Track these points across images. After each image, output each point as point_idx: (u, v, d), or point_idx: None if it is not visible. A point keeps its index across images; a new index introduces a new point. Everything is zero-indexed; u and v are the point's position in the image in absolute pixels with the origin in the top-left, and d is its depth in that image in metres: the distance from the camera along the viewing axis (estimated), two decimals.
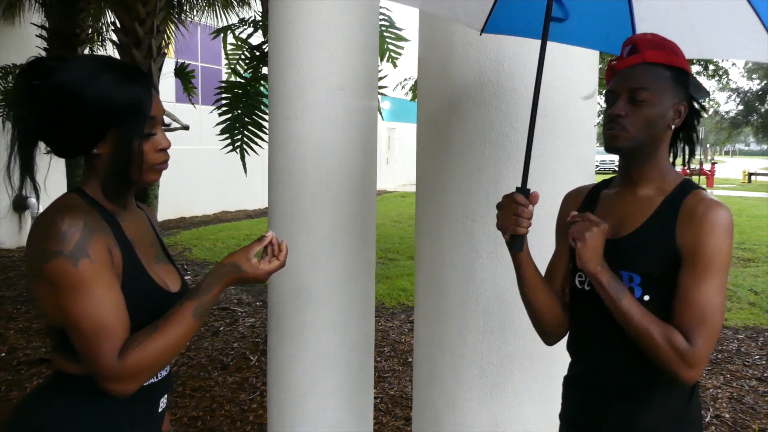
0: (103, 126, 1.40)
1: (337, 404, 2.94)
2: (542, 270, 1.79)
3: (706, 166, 32.09)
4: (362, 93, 2.91)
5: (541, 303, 1.71)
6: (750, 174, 33.48)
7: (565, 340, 1.84)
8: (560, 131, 2.40)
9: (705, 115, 1.69)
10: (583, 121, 2.47)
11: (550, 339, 1.80)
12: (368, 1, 2.92)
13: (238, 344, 5.85)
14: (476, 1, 2.05)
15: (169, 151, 1.52)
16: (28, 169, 1.44)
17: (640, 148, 1.58)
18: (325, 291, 2.90)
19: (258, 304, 7.31)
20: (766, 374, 5.30)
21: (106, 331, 1.32)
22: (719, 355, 5.76)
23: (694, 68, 13.16)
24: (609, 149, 1.61)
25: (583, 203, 1.78)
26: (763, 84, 39.68)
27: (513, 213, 1.60)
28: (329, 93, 2.81)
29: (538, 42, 2.27)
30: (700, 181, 29.92)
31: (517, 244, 1.63)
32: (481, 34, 2.17)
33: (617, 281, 1.51)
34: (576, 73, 2.42)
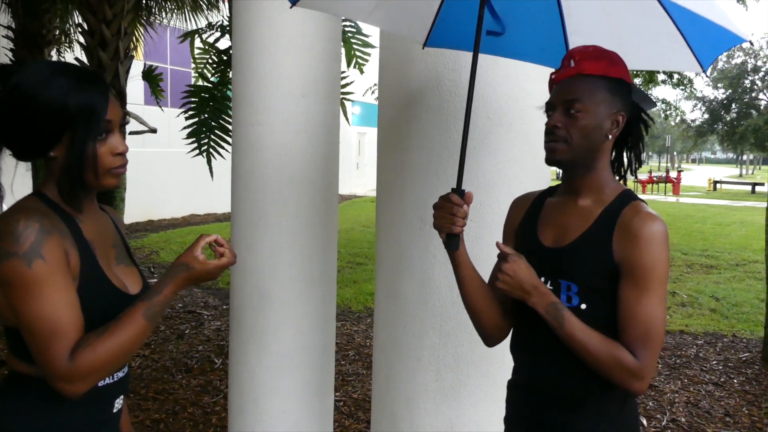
0: (57, 129, 1.42)
1: (298, 406, 2.97)
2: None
3: (673, 174, 32.64)
4: (324, 99, 2.95)
5: (480, 304, 1.75)
6: (715, 182, 34.14)
7: None
8: (516, 140, 2.46)
9: (650, 125, 1.72)
10: (538, 130, 2.50)
11: (489, 341, 1.84)
12: None
13: (203, 347, 5.85)
14: (418, 16, 2.10)
15: (137, 154, 1.54)
16: None
17: (578, 159, 1.61)
18: (286, 294, 2.93)
19: (224, 307, 7.29)
20: (722, 379, 5.43)
21: (58, 331, 1.34)
22: (677, 360, 5.88)
23: (659, 77, 13.40)
24: (548, 162, 1.65)
25: (528, 209, 1.81)
26: (728, 93, 40.42)
27: (448, 212, 1.64)
28: (292, 99, 2.85)
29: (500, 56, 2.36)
30: (667, 188, 30.44)
31: (452, 243, 1.67)
32: (423, 48, 2.22)
33: (556, 307, 1.53)
34: (531, 83, 2.48)
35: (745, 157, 69.59)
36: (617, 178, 1.70)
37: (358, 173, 25.14)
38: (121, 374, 1.59)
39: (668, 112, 23.20)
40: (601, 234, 1.57)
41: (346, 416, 4.45)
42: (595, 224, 1.60)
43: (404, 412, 2.58)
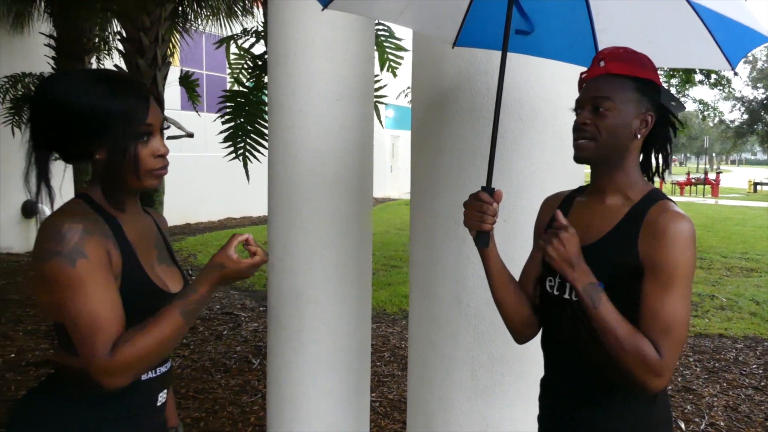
0: (98, 133, 1.48)
1: (335, 405, 3.02)
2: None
3: (711, 176, 32.07)
4: (359, 102, 3.00)
5: (507, 300, 1.78)
6: (755, 183, 33.44)
7: None
8: (549, 141, 2.47)
9: (679, 128, 1.73)
10: (571, 132, 2.54)
11: (518, 338, 1.87)
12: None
13: (240, 348, 5.94)
14: (447, 16, 2.13)
15: (174, 158, 1.60)
16: (43, 176, 1.53)
17: (605, 157, 1.63)
18: (322, 295, 2.98)
19: (261, 309, 7.39)
20: (762, 383, 5.35)
21: (99, 326, 1.39)
22: (716, 364, 5.81)
23: (696, 77, 13.23)
24: (576, 159, 1.67)
25: (558, 208, 1.83)
26: (767, 93, 39.63)
27: (478, 210, 1.67)
28: (326, 102, 2.90)
29: (528, 55, 2.38)
30: (705, 190, 29.95)
31: (482, 240, 1.70)
32: (453, 48, 2.24)
33: (594, 287, 1.52)
34: (565, 85, 2.49)
35: None
36: (646, 178, 1.71)
37: (392, 176, 25.18)
38: (164, 369, 1.64)
39: (706, 113, 22.83)
40: (627, 232, 1.58)
41: (382, 416, 4.48)
42: (621, 223, 1.61)
43: (439, 411, 2.60)
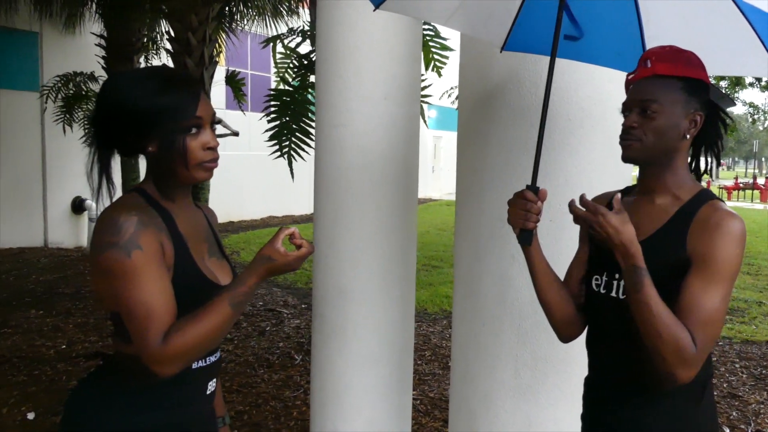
0: (150, 127, 1.53)
1: (377, 402, 3.05)
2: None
3: (760, 180, 31.32)
4: (405, 102, 3.02)
5: (552, 299, 1.78)
6: None
7: None
8: (597, 142, 2.46)
9: (730, 124, 1.71)
10: (619, 133, 2.53)
11: (562, 336, 1.86)
12: None
13: (283, 344, 6.01)
14: (497, 20, 2.14)
15: (218, 156, 1.65)
16: (105, 172, 1.60)
17: (653, 158, 1.63)
18: (366, 292, 3.01)
19: (303, 306, 7.46)
20: None
21: (152, 316, 1.44)
22: (763, 371, 5.69)
23: (747, 80, 12.96)
24: (624, 160, 1.67)
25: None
26: None
27: (522, 208, 1.68)
28: (373, 102, 2.93)
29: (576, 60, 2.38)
30: (754, 195, 29.27)
31: (525, 238, 1.71)
32: (501, 52, 2.25)
33: (639, 271, 1.48)
34: (614, 84, 2.47)
35: None
36: (695, 177, 1.70)
37: (434, 177, 25.14)
38: (213, 359, 1.69)
39: (756, 117, 22.31)
40: (676, 230, 1.57)
41: (423, 414, 4.50)
42: (670, 221, 1.60)
43: (482, 409, 2.61)
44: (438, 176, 25.56)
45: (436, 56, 5.99)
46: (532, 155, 2.44)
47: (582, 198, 1.56)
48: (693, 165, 1.71)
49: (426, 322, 6.92)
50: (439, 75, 6.09)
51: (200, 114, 1.57)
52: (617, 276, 1.65)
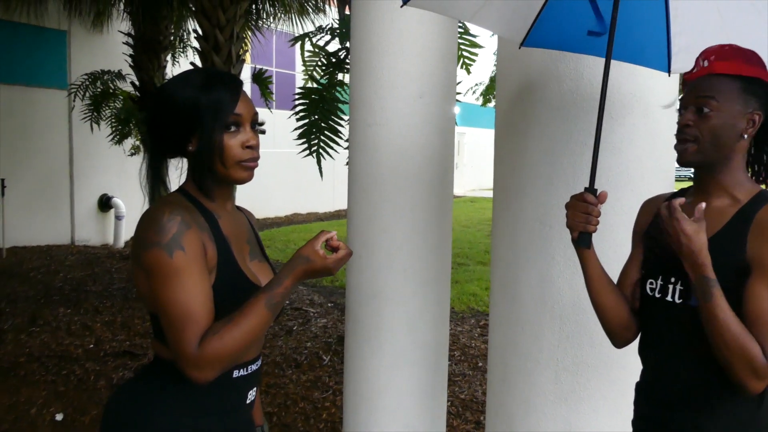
0: (191, 123, 1.52)
1: (411, 404, 3.01)
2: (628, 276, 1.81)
3: None
4: (441, 100, 2.97)
5: (607, 303, 1.74)
6: None
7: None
8: (639, 140, 2.40)
9: None
10: (662, 130, 2.46)
11: (616, 341, 1.82)
12: None
13: (310, 344, 5.99)
14: (521, 16, 2.11)
15: (258, 156, 1.62)
16: (157, 175, 1.60)
17: (710, 158, 1.58)
18: (401, 294, 2.97)
19: (329, 305, 7.44)
20: None
21: (191, 318, 1.41)
22: None
23: None
24: (680, 162, 1.63)
25: (658, 211, 1.78)
26: None
27: (582, 211, 1.64)
28: (409, 100, 2.89)
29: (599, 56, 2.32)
30: None
31: (584, 241, 1.68)
32: (519, 48, 2.21)
33: (708, 281, 1.46)
34: (656, 80, 2.42)
35: None
36: (754, 178, 1.64)
37: (458, 173, 24.89)
38: (254, 367, 1.66)
39: None
40: (736, 233, 1.53)
41: (454, 416, 4.45)
42: (729, 224, 1.56)
43: (521, 413, 2.56)
44: (461, 173, 25.43)
45: (465, 53, 5.91)
46: (573, 155, 2.40)
47: (672, 203, 1.52)
48: (753, 166, 1.66)
49: (453, 321, 6.86)
50: (468, 72, 6.02)
51: (240, 111, 1.55)
52: (673, 280, 1.62)
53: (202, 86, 1.52)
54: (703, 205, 1.50)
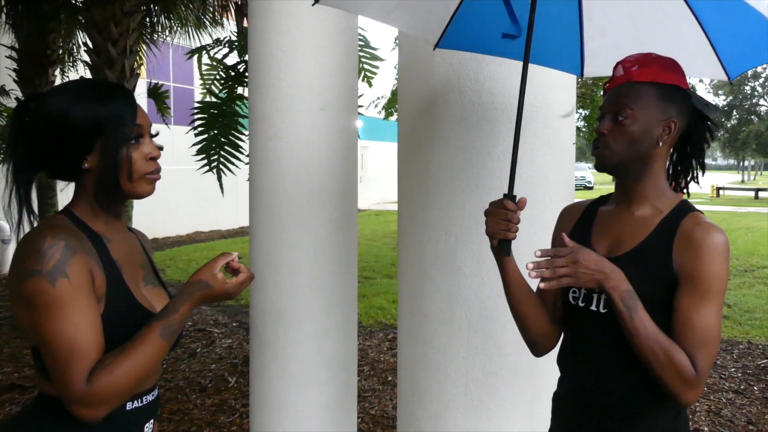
0: (89, 139, 1.42)
1: (322, 423, 2.93)
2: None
3: None
4: (343, 113, 2.93)
5: (528, 312, 1.73)
6: (718, 188, 34.02)
7: (551, 356, 1.86)
8: (540, 149, 2.43)
9: (715, 131, 1.69)
10: (562, 139, 2.51)
11: (537, 350, 1.81)
12: (347, 23, 2.95)
13: (215, 366, 5.80)
14: (435, 17, 2.10)
15: (161, 168, 1.53)
16: (26, 202, 1.46)
17: (627, 165, 1.60)
18: (307, 312, 2.89)
19: (234, 324, 7.25)
20: (742, 387, 5.37)
21: (77, 352, 1.31)
22: None
23: None
24: (597, 168, 1.64)
25: (579, 219, 1.79)
26: (728, 100, 40.48)
27: (503, 218, 1.62)
28: (310, 113, 2.83)
29: (517, 62, 2.33)
30: None
31: (505, 249, 1.66)
32: (434, 49, 2.21)
33: (631, 295, 1.50)
34: (554, 92, 2.46)
35: (746, 163, 69.59)
36: (674, 186, 1.67)
37: (362, 187, 25.10)
38: (150, 397, 1.56)
39: None
40: (661, 243, 1.55)
41: None
42: (653, 234, 1.58)
43: (431, 428, 2.53)
44: (366, 186, 25.57)
45: (366, 66, 5.92)
46: (476, 165, 2.41)
47: (562, 237, 1.57)
48: (674, 173, 1.69)
49: (362, 336, 6.81)
50: (370, 85, 6.03)
51: (140, 122, 1.48)
52: (596, 290, 1.61)
53: (98, 98, 1.43)
54: (564, 235, 1.57)
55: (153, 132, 1.55)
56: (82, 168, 1.44)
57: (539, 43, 2.11)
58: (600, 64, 2.16)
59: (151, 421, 1.58)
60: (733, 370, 5.80)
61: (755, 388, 5.35)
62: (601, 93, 1.77)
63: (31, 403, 1.49)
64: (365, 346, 6.47)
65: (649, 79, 1.59)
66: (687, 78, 1.66)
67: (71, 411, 1.32)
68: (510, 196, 1.67)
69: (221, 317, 7.57)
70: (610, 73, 1.73)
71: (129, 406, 1.48)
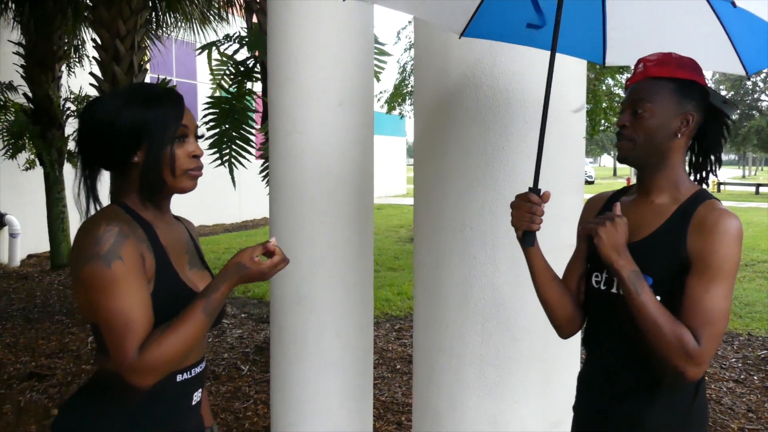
0: (138, 138, 1.55)
1: (339, 407, 3.04)
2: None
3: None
4: (360, 108, 3.03)
5: (552, 297, 1.83)
6: (719, 183, 34.04)
7: (562, 341, 1.97)
8: (551, 143, 2.51)
9: (731, 127, 1.76)
10: (573, 133, 2.61)
11: (562, 333, 1.90)
12: (364, 21, 3.05)
13: (227, 355, 5.92)
14: (460, 6, 2.17)
15: (203, 165, 1.66)
16: (92, 192, 1.62)
17: (646, 157, 1.69)
18: (325, 300, 3.00)
19: (243, 315, 7.37)
20: (742, 376, 5.48)
21: (130, 326, 1.44)
22: None
23: None
24: (619, 159, 1.75)
25: (602, 208, 1.89)
26: (730, 95, 40.48)
27: (527, 211, 1.72)
28: (329, 108, 2.93)
29: (533, 58, 2.44)
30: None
31: (529, 240, 1.76)
32: (460, 38, 2.28)
33: (638, 275, 1.57)
34: (566, 87, 2.55)
35: (747, 158, 69.59)
36: (693, 178, 1.76)
37: None
38: (198, 369, 1.70)
39: None
40: (676, 229, 1.62)
41: (376, 418, 4.50)
42: (669, 220, 1.65)
43: (447, 410, 2.63)
44: None
45: (375, 61, 6.00)
46: (492, 158, 2.50)
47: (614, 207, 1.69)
48: (692, 166, 1.77)
49: None
50: (378, 80, 6.13)
51: (186, 122, 1.60)
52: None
53: (145, 102, 1.56)
54: (617, 204, 1.66)
55: (199, 134, 1.68)
56: (132, 162, 1.57)
57: (563, 32, 2.20)
58: (620, 54, 2.24)
59: (200, 390, 1.72)
60: (733, 360, 5.91)
61: (755, 377, 5.46)
62: (622, 89, 1.86)
63: (92, 378, 1.64)
64: (373, 336, 6.57)
65: (667, 74, 1.67)
66: (705, 74, 1.74)
67: (126, 378, 1.44)
68: (535, 189, 1.76)
69: (230, 308, 7.68)
70: (631, 62, 1.81)
71: (179, 378, 1.62)
